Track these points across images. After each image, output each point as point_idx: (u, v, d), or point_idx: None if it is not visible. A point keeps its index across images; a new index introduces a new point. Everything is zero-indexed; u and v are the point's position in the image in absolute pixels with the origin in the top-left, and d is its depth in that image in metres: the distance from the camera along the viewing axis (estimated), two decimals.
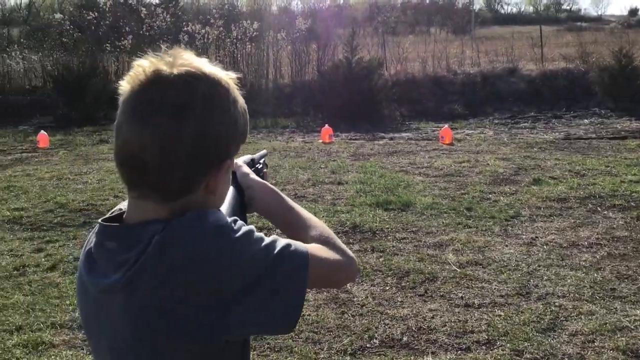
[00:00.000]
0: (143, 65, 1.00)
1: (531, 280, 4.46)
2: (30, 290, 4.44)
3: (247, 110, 1.12)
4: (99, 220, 1.06)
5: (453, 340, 3.67)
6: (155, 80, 0.99)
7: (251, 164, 1.50)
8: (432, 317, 3.96)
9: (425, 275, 4.62)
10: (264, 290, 0.99)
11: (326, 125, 10.69)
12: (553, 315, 3.90)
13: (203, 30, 15.99)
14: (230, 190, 1.27)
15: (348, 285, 4.45)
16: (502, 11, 79.61)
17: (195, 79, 1.00)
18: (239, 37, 16.09)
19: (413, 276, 4.60)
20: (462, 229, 5.65)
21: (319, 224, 1.21)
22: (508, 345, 3.56)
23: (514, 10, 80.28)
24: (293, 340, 3.69)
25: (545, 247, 5.14)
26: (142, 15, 17.16)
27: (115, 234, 1.02)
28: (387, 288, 4.43)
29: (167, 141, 0.98)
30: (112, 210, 1.10)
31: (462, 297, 4.23)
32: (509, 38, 21.39)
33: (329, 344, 3.65)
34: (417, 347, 3.62)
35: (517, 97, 14.47)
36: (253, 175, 1.32)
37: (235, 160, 1.38)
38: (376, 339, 3.71)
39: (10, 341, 3.69)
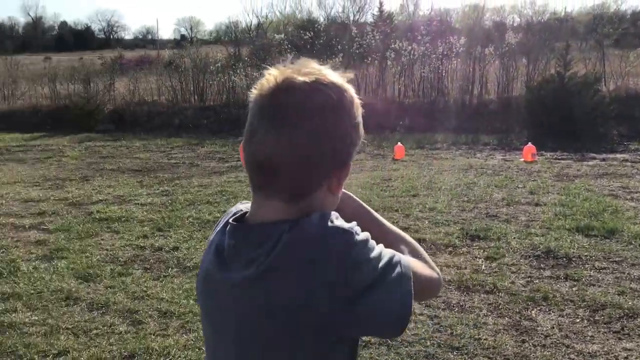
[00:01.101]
0: (274, 74, 1.07)
1: None
2: None
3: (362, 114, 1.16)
4: (230, 220, 1.14)
5: None
6: (288, 87, 1.05)
7: None
8: (626, 357, 3.57)
9: (624, 311, 4.17)
10: (380, 292, 1.03)
11: (529, 143, 10.15)
12: None
13: (409, 47, 16.18)
14: None
15: (532, 313, 4.20)
16: None
17: (324, 85, 1.06)
18: (445, 52, 16.00)
19: (609, 310, 4.19)
20: None
21: (409, 240, 1.23)
22: None
23: None
24: None
25: None
26: (353, 34, 17.88)
27: (246, 233, 1.10)
28: (578, 320, 4.08)
29: (301, 144, 1.04)
30: (235, 211, 1.18)
31: None
32: None
33: None
34: None
35: None
36: (351, 194, 1.33)
37: None
38: None
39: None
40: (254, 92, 1.10)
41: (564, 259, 5.20)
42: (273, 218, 1.08)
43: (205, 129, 15.80)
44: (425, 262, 1.18)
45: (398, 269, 1.06)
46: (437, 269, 1.19)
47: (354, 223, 1.07)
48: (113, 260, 5.53)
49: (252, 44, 28.84)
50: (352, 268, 1.01)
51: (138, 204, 7.71)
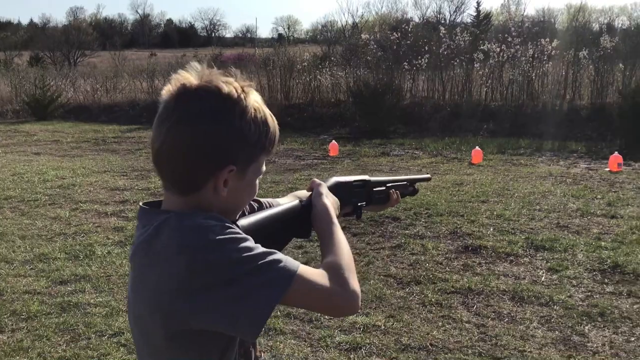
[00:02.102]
0: (177, 78, 1.19)
1: None
2: None
3: (266, 124, 1.22)
4: (140, 203, 1.27)
5: None
6: (180, 91, 1.17)
7: (360, 186, 1.59)
8: None
9: None
10: (232, 292, 1.07)
11: (616, 152, 9.65)
12: None
13: (498, 49, 15.76)
14: (292, 204, 1.38)
15: (585, 328, 4.06)
16: None
17: (208, 92, 1.16)
18: (536, 55, 15.46)
19: None
20: None
21: (341, 254, 1.24)
22: None
23: None
24: None
25: None
26: (441, 34, 17.63)
27: (142, 215, 1.23)
28: (632, 340, 3.90)
29: (175, 142, 1.16)
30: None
31: None
32: None
33: None
34: None
35: None
36: (324, 197, 1.38)
37: (329, 180, 1.48)
38: None
39: None
40: (161, 94, 1.22)
41: (631, 275, 4.95)
42: (165, 207, 1.23)
43: (288, 126, 16.10)
44: (337, 276, 1.18)
45: (270, 274, 1.10)
46: (353, 287, 1.19)
47: (227, 225, 1.13)
48: None
49: (344, 43, 29.03)
50: (199, 264, 1.07)
51: None
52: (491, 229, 6.22)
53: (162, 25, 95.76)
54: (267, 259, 1.11)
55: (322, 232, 1.33)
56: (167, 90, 1.19)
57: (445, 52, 16.93)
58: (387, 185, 1.78)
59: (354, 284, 1.19)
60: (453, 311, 4.36)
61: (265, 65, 19.25)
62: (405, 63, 16.74)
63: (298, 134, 15.02)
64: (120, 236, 6.22)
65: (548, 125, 13.64)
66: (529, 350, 3.79)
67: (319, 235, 1.35)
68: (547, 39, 15.43)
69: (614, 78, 14.91)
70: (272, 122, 1.25)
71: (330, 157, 11.50)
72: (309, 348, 3.85)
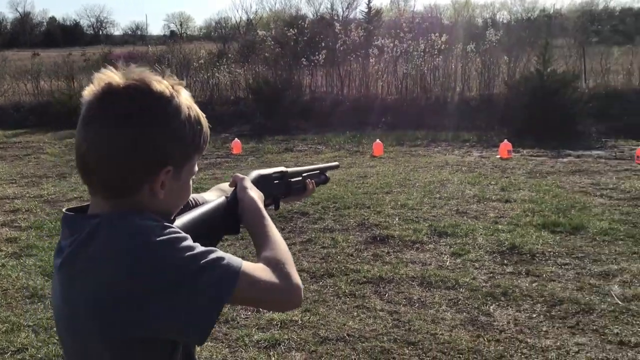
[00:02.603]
0: (100, 77, 1.12)
1: None
2: None
3: (199, 123, 1.18)
4: (63, 209, 1.19)
5: None
6: (105, 90, 1.10)
7: (278, 178, 1.59)
8: (577, 352, 3.64)
9: (581, 306, 4.25)
10: (178, 295, 1.03)
11: (505, 140, 10.23)
12: None
13: (392, 44, 16.23)
14: (219, 200, 1.36)
15: (490, 308, 4.27)
16: None
17: (138, 91, 1.10)
18: (427, 50, 16.06)
19: (566, 306, 4.26)
20: (636, 259, 5.09)
21: (278, 248, 1.22)
22: None
23: None
24: (419, 358, 3.64)
25: None
26: (337, 30, 17.89)
27: (68, 222, 1.15)
28: (534, 316, 4.15)
29: (106, 145, 1.09)
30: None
31: (617, 334, 3.83)
32: None
33: None
34: None
35: None
36: (251, 192, 1.36)
37: (250, 174, 1.46)
38: None
39: None
40: (83, 93, 1.14)
41: (528, 255, 5.27)
42: (93, 212, 1.15)
43: None
44: (279, 271, 1.17)
45: (216, 273, 1.06)
46: (295, 280, 1.17)
47: (166, 224, 1.09)
48: None
49: (240, 40, 28.74)
50: (138, 268, 1.02)
51: None
52: (397, 219, 6.40)
53: (45, 23, 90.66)
54: (209, 258, 1.07)
55: (253, 226, 1.31)
56: (90, 91, 1.12)
57: (341, 48, 17.20)
58: (303, 175, 1.79)
59: (296, 277, 1.18)
60: (366, 301, 4.45)
61: (160, 64, 18.74)
62: (303, 59, 16.85)
63: None
64: (15, 247, 5.84)
65: (441, 116, 14.22)
66: (440, 332, 3.93)
67: (250, 230, 1.32)
68: (437, 34, 16.06)
69: (499, 70, 15.77)
70: (204, 120, 1.21)
71: (234, 155, 11.38)
72: (227, 349, 3.80)
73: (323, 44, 17.35)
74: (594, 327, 3.94)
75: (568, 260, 5.14)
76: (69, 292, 1.10)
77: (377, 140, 11.14)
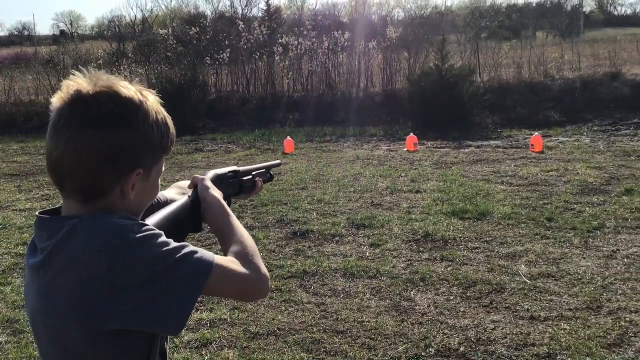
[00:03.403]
0: (68, 84, 1.15)
1: (604, 294, 4.27)
2: None
3: (166, 125, 1.24)
4: (36, 213, 1.22)
5: (512, 352, 3.60)
6: (75, 97, 1.14)
7: (232, 177, 1.64)
8: (494, 329, 3.90)
9: (493, 286, 4.54)
10: (157, 288, 1.09)
11: (411, 133, 10.65)
12: (621, 330, 3.73)
13: (296, 42, 16.38)
14: (183, 200, 1.40)
15: (411, 293, 4.48)
16: (615, 12, 75.52)
17: (108, 98, 1.14)
18: (331, 47, 16.34)
19: (480, 286, 4.54)
20: (539, 240, 5.49)
21: (245, 242, 1.29)
22: (568, 359, 3.45)
23: (629, 11, 76.05)
24: (349, 345, 3.76)
25: (625, 260, 4.90)
26: (240, 29, 17.82)
27: (44, 225, 1.18)
28: (451, 298, 4.40)
29: (77, 151, 1.13)
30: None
31: (527, 310, 4.13)
32: (618, 41, 20.37)
33: (384, 351, 3.69)
34: (473, 357, 3.58)
35: (619, 103, 13.69)
36: (213, 192, 1.42)
37: (206, 174, 1.51)
38: (432, 347, 3.70)
39: None
40: (52, 100, 1.17)
41: (441, 241, 5.56)
42: (67, 214, 1.18)
43: None
44: (248, 262, 1.24)
45: (189, 266, 1.13)
46: (263, 270, 1.25)
47: (141, 222, 1.15)
48: None
49: (137, 39, 27.91)
50: (119, 262, 1.07)
51: (16, 210, 7.36)
52: (314, 214, 6.53)
53: None
54: (183, 252, 1.13)
55: (218, 224, 1.36)
56: (59, 98, 1.15)
57: (245, 46, 17.16)
58: (252, 173, 1.84)
59: (264, 268, 1.26)
60: (293, 294, 4.54)
61: (54, 65, 17.91)
62: (207, 58, 16.66)
63: None
64: None
65: (348, 112, 14.56)
66: (366, 320, 4.09)
67: (214, 228, 1.37)
68: (340, 32, 16.38)
69: (400, 66, 16.32)
70: (170, 122, 1.27)
71: None
72: None
73: (227, 42, 17.23)
74: (507, 305, 4.23)
75: (477, 244, 5.46)
76: (48, 289, 1.12)
77: (288, 137, 11.24)
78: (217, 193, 1.42)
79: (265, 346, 3.78)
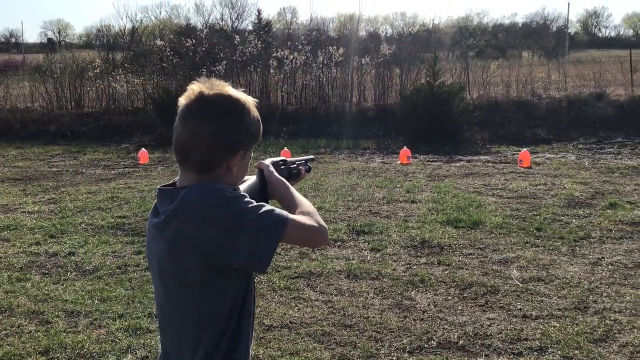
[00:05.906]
0: (193, 88, 1.57)
1: (590, 296, 4.62)
2: (131, 286, 5.05)
3: (259, 121, 1.64)
4: (158, 187, 1.63)
5: (507, 345, 3.93)
6: (199, 97, 1.55)
7: (282, 165, 1.98)
8: (489, 325, 4.22)
9: (487, 288, 4.87)
10: (248, 233, 1.48)
11: (404, 147, 11.02)
12: (607, 327, 4.07)
13: (291, 56, 16.74)
14: (255, 180, 1.78)
15: (412, 293, 4.79)
16: (600, 34, 77.17)
17: (222, 97, 1.56)
18: (325, 62, 16.72)
19: (475, 288, 4.87)
20: (529, 247, 5.84)
21: (307, 206, 1.68)
22: (559, 352, 3.78)
23: (612, 33, 77.67)
24: (357, 337, 4.07)
25: (610, 266, 5.26)
26: (236, 42, 18.17)
27: (165, 194, 1.59)
28: (449, 298, 4.72)
29: (200, 135, 1.53)
30: (171, 182, 1.66)
31: (520, 309, 4.46)
32: (602, 62, 21.00)
33: (389, 342, 4.00)
34: (471, 349, 3.90)
35: (603, 122, 14.20)
36: (275, 174, 1.80)
37: (265, 162, 1.87)
38: (434, 340, 4.02)
39: (113, 325, 4.28)
40: (180, 100, 1.58)
41: (437, 247, 5.89)
42: (181, 185, 1.59)
43: (84, 136, 15.42)
44: (312, 219, 1.61)
45: (271, 218, 1.51)
46: (323, 224, 1.62)
47: (236, 188, 1.57)
48: (8, 267, 5.51)
49: (126, 49, 28.10)
50: (221, 215, 1.47)
51: (25, 212, 7.59)
52: None
53: None
54: (266, 208, 1.53)
55: (285, 198, 1.74)
56: (186, 97, 1.56)
57: (241, 59, 17.49)
58: (297, 163, 2.18)
59: (323, 222, 1.64)
60: (301, 292, 4.84)
61: (51, 73, 18.11)
62: (203, 69, 16.96)
63: (97, 143, 14.51)
64: None
65: (341, 125, 14.92)
66: (372, 316, 4.40)
67: (283, 202, 1.74)
68: (334, 47, 16.77)
69: (392, 82, 16.74)
70: (260, 119, 1.65)
71: (141, 164, 11.36)
72: None
73: (222, 55, 17.55)
74: (501, 305, 4.57)
75: (472, 250, 5.80)
76: (173, 237, 1.52)
77: (285, 148, 11.55)
78: (279, 175, 1.81)
79: (280, 337, 4.07)
